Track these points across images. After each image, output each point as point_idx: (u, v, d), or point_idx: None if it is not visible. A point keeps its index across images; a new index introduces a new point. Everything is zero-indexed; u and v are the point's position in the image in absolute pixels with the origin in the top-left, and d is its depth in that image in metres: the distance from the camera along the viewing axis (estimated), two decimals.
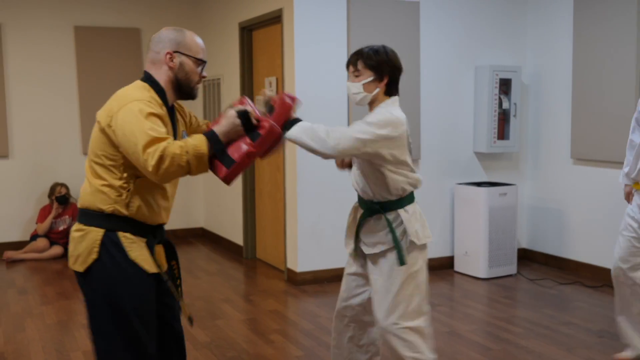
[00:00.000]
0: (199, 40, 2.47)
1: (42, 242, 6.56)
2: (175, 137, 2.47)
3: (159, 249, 2.53)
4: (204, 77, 2.47)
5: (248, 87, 6.34)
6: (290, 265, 5.44)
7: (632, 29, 4.96)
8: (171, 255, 2.62)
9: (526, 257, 6.09)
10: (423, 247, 2.82)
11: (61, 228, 6.32)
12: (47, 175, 6.88)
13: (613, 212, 4.82)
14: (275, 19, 5.53)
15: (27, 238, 6.85)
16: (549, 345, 3.96)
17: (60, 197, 6.27)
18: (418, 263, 2.79)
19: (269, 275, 5.77)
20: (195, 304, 4.87)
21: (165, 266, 2.55)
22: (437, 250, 5.69)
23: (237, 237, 6.66)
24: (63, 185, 6.36)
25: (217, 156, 2.33)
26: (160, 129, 2.24)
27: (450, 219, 5.59)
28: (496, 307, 4.72)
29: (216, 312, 4.74)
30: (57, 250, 6.22)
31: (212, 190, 7.35)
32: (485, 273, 5.26)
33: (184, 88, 2.43)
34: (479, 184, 5.42)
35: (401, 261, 2.79)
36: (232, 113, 2.36)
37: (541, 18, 6.04)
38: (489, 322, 4.41)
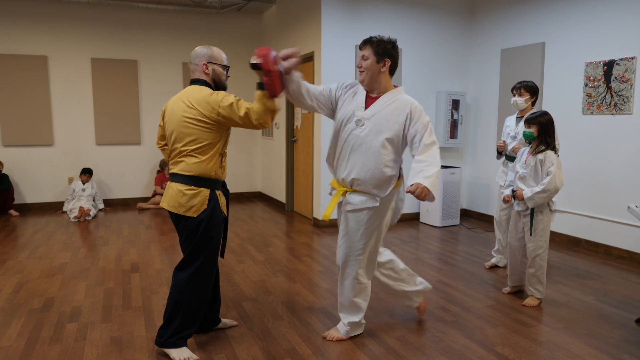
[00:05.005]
0: (222, 53, 2.66)
1: (158, 197, 7.49)
2: None
3: (223, 198, 2.72)
4: (228, 76, 2.68)
5: None
6: (315, 215, 6.20)
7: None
8: (228, 202, 2.77)
9: (465, 214, 6.90)
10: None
11: None
12: (156, 155, 7.73)
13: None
14: (309, 58, 6.37)
15: (150, 194, 7.85)
16: None
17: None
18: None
19: (301, 221, 6.34)
20: (255, 238, 5.36)
21: (226, 210, 2.75)
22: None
23: (281, 196, 7.41)
24: None
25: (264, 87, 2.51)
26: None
27: None
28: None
29: (268, 242, 5.16)
30: None
31: (266, 167, 8.00)
32: (439, 222, 6.12)
33: (218, 84, 2.68)
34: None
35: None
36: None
37: (479, 61, 6.62)
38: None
